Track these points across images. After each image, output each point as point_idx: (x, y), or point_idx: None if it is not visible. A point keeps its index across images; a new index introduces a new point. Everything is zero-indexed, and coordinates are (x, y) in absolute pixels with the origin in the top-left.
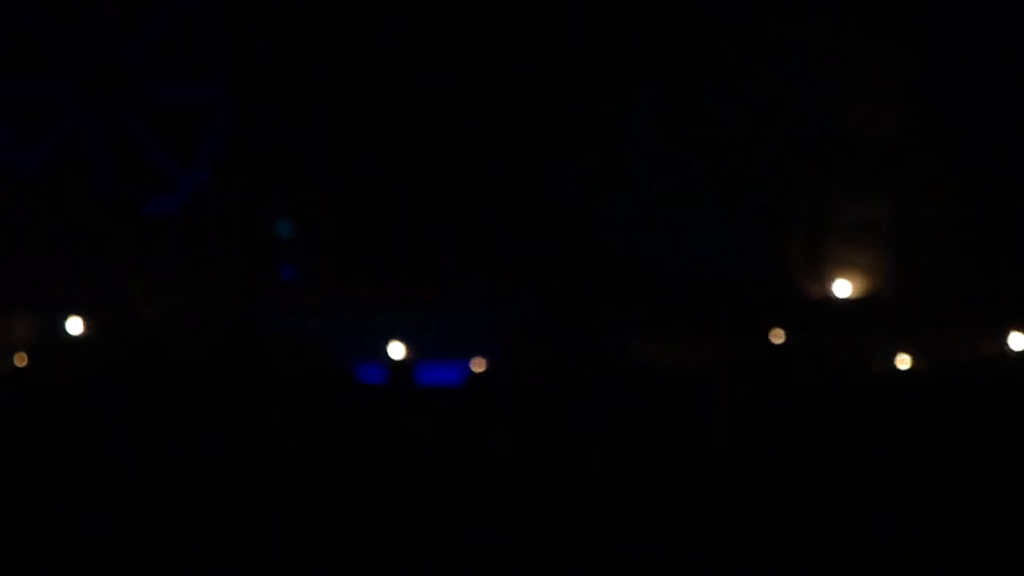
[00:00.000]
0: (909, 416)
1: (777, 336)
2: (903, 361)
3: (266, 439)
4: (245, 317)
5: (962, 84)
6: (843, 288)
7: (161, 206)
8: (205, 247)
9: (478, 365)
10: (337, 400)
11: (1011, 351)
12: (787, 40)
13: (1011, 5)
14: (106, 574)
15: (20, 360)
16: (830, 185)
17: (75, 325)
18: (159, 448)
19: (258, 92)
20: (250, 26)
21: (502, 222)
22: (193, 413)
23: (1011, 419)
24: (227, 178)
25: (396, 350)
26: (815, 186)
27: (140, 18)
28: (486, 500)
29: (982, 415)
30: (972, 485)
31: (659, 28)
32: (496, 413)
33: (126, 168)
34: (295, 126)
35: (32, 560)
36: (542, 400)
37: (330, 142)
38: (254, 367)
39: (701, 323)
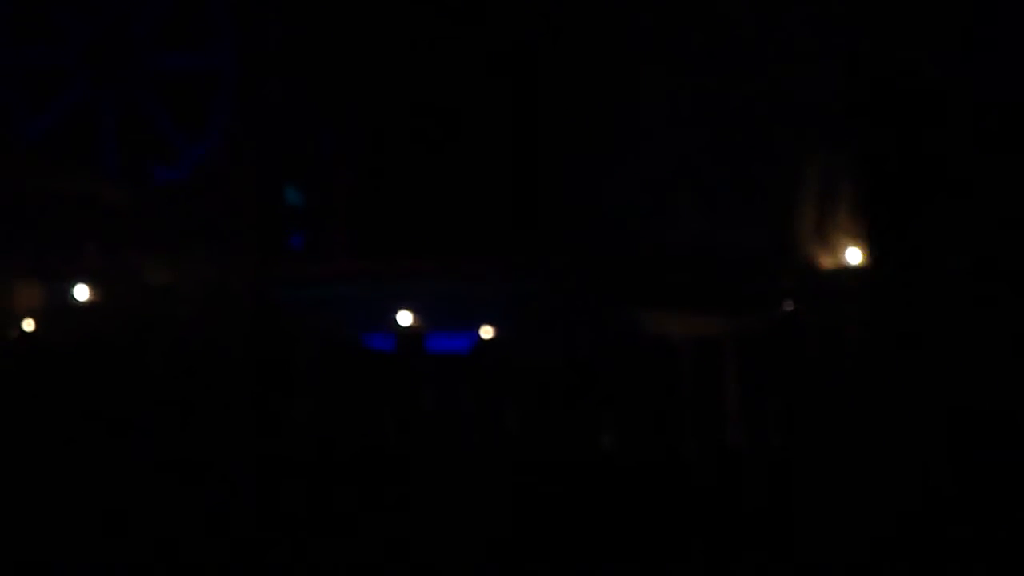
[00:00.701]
0: (916, 385)
1: (786, 306)
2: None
3: (275, 407)
4: (254, 286)
5: (965, 60)
6: (854, 256)
7: (169, 175)
8: (213, 216)
9: (487, 334)
10: (346, 368)
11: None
12: (794, 14)
13: None
14: (114, 533)
15: (29, 325)
16: (839, 155)
17: (82, 292)
18: (167, 415)
19: (266, 60)
20: None
21: (513, 195)
22: (200, 382)
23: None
24: (235, 147)
25: (405, 319)
26: (824, 156)
27: None
28: (493, 474)
29: (990, 384)
30: (980, 451)
31: (665, 3)
32: (505, 384)
33: (133, 137)
34: (304, 94)
35: (39, 522)
36: (551, 374)
37: (340, 110)
38: (264, 336)
39: (710, 295)
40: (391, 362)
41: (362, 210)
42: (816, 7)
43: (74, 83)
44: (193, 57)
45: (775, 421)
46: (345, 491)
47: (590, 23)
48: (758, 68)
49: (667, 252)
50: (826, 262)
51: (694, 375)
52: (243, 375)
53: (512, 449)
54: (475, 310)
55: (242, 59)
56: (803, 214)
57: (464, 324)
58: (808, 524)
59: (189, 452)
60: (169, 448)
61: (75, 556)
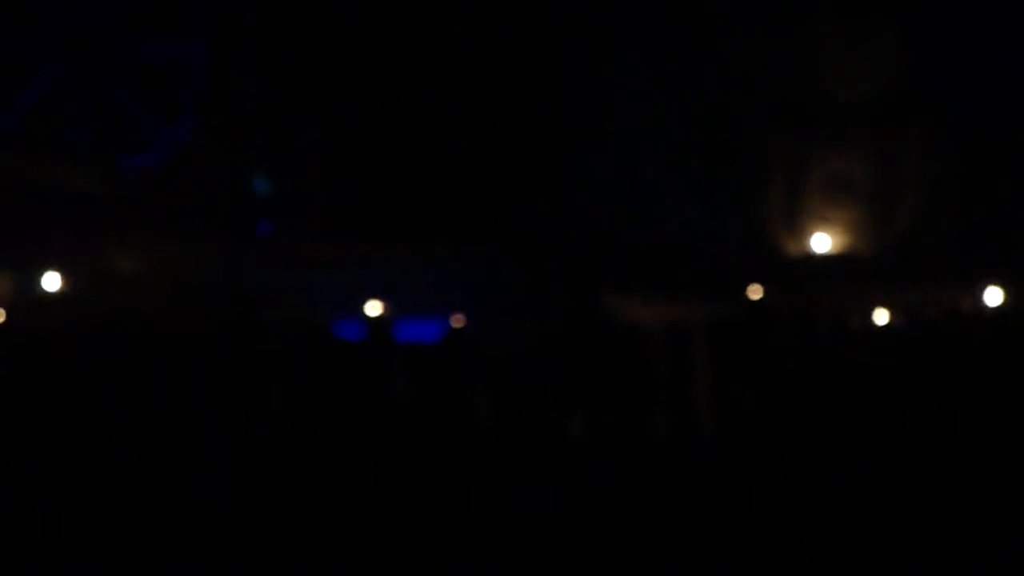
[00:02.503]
0: (888, 373)
1: (755, 293)
2: (881, 316)
3: (246, 395)
4: (225, 273)
5: (941, 44)
6: (822, 244)
7: (140, 162)
8: (184, 203)
9: (457, 322)
10: (315, 356)
11: (987, 306)
12: (768, 4)
13: None
14: (88, 530)
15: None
16: (808, 142)
17: (52, 281)
18: (137, 404)
19: (238, 49)
20: None
21: (483, 180)
22: (172, 370)
23: (989, 373)
24: (207, 135)
25: (374, 307)
26: (793, 143)
27: None
28: (465, 461)
29: (960, 370)
30: (954, 441)
31: None
32: (475, 372)
33: (105, 125)
34: (275, 83)
35: (16, 519)
36: (521, 360)
37: (311, 98)
38: (234, 323)
39: (680, 281)
40: (361, 350)
41: (333, 197)
42: None
43: (46, 71)
44: (166, 45)
45: (747, 407)
46: (319, 479)
47: (561, 11)
48: (729, 55)
49: (638, 238)
50: (795, 248)
51: (665, 361)
52: (214, 362)
53: (483, 436)
54: (446, 297)
55: (214, 47)
56: (773, 200)
57: (435, 311)
58: (781, 510)
59: (161, 442)
60: (141, 439)
61: (49, 554)
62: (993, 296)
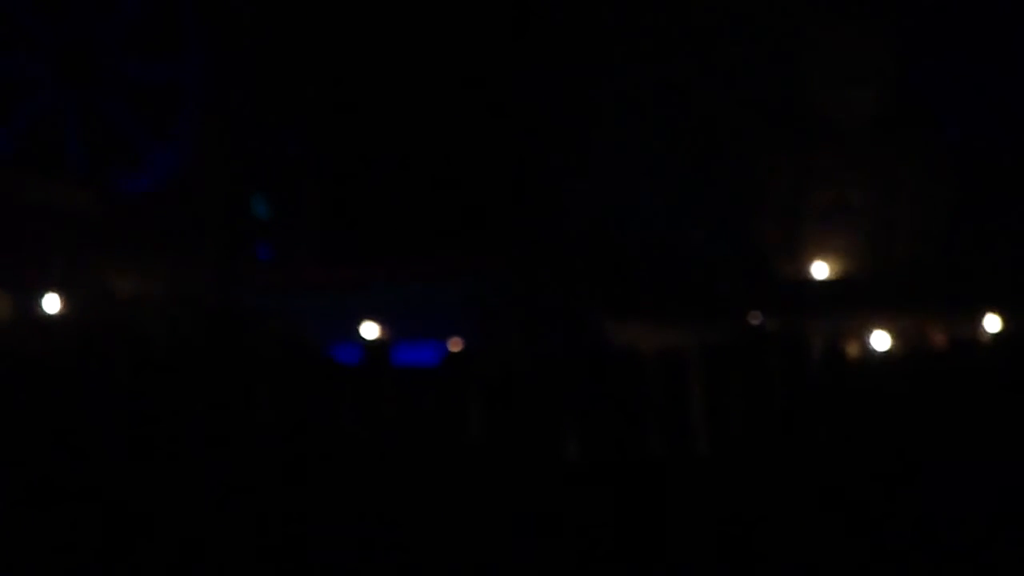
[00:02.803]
0: (886, 399)
1: (753, 319)
2: (881, 341)
3: (242, 421)
4: (221, 296)
5: (941, 69)
6: (819, 270)
7: (136, 185)
8: (180, 226)
9: (455, 345)
10: (312, 382)
11: (986, 333)
12: (765, 22)
13: None
14: (86, 550)
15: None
16: (807, 167)
17: (50, 304)
18: (135, 428)
19: (234, 69)
20: (227, 3)
21: (480, 201)
22: (169, 394)
23: (987, 402)
24: (202, 156)
25: (371, 330)
26: (792, 168)
27: None
28: (459, 484)
29: (959, 398)
30: (950, 468)
31: (637, 7)
32: (470, 395)
33: (100, 146)
34: (272, 104)
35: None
36: (517, 382)
37: (307, 120)
38: (230, 347)
39: (676, 306)
40: (356, 374)
41: (329, 219)
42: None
43: (40, 91)
44: (160, 66)
45: (741, 433)
46: (311, 501)
47: (553, 20)
48: (727, 69)
49: (633, 260)
50: (792, 273)
51: (660, 385)
52: (208, 386)
53: (476, 456)
54: (442, 318)
55: (210, 68)
56: (771, 224)
57: (431, 333)
58: (772, 534)
59: (154, 463)
60: (135, 459)
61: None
62: (991, 323)
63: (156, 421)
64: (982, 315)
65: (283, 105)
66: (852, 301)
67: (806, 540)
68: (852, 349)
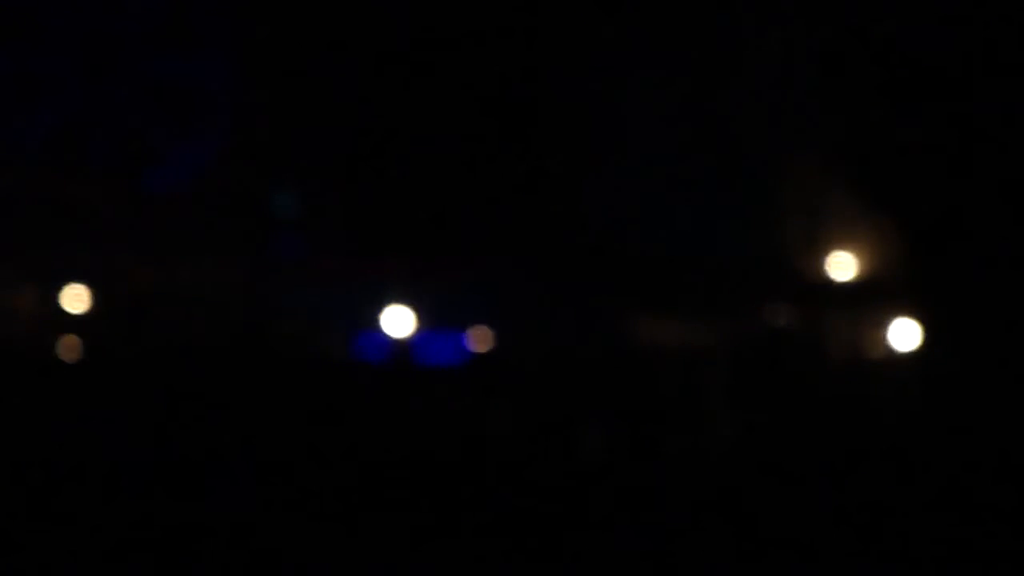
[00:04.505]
0: (904, 396)
1: (775, 317)
2: (900, 340)
3: (268, 418)
4: (247, 290)
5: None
6: (841, 268)
7: (162, 181)
8: (206, 222)
9: (478, 335)
10: (337, 380)
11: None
12: (787, 21)
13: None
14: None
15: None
16: (829, 163)
17: (78, 302)
18: (162, 425)
19: (259, 66)
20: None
21: (504, 197)
22: (196, 391)
23: (1008, 396)
24: (228, 152)
25: (396, 323)
26: (814, 165)
27: None
28: (482, 482)
29: (978, 393)
30: (974, 464)
31: (658, 7)
32: (494, 395)
33: (125, 143)
34: (297, 99)
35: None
36: (539, 381)
37: (332, 115)
38: (257, 344)
39: (699, 304)
40: (382, 370)
41: (355, 213)
42: (800, 7)
43: (67, 88)
44: (186, 63)
45: (762, 429)
46: (336, 495)
47: (579, 25)
48: (749, 71)
49: (657, 258)
50: (814, 271)
51: (682, 381)
52: (235, 380)
53: (502, 451)
54: (467, 310)
55: (235, 65)
56: (793, 223)
57: (455, 324)
58: (793, 531)
59: (182, 455)
60: (162, 451)
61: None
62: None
63: (181, 415)
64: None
65: (309, 101)
66: (874, 299)
67: (824, 533)
68: (873, 346)
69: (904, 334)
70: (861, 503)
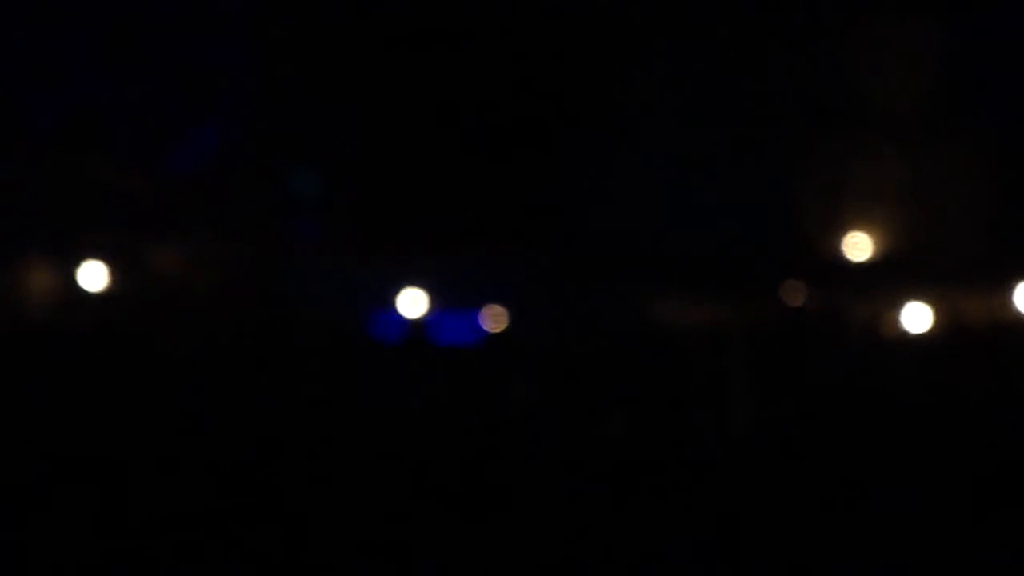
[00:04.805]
0: (923, 377)
1: (794, 297)
2: (917, 321)
3: (286, 398)
4: (267, 272)
5: (984, 49)
6: (859, 248)
7: (182, 162)
8: (226, 203)
9: (493, 315)
10: (355, 358)
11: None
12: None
13: None
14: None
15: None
16: (846, 145)
17: (96, 280)
18: (175, 405)
19: (278, 49)
20: None
21: (525, 181)
22: (212, 371)
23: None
24: (248, 134)
25: (413, 303)
26: (831, 146)
27: None
28: (504, 460)
29: (997, 375)
30: (989, 445)
31: None
32: (514, 374)
33: (146, 124)
34: (316, 83)
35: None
36: (561, 361)
37: (351, 99)
38: (274, 324)
39: (718, 284)
40: (398, 351)
41: (374, 197)
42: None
43: (88, 70)
44: (206, 44)
45: (782, 410)
46: (354, 478)
47: (593, 18)
48: (768, 54)
49: (676, 239)
50: (832, 252)
51: (702, 362)
52: (252, 359)
53: (522, 435)
54: (484, 291)
55: (255, 48)
56: (810, 204)
57: (472, 303)
58: (809, 514)
59: (198, 438)
60: (178, 433)
61: (83, 547)
62: None
63: (197, 396)
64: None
65: (328, 85)
66: (892, 280)
67: (842, 521)
68: (891, 327)
69: (918, 316)
70: (875, 483)
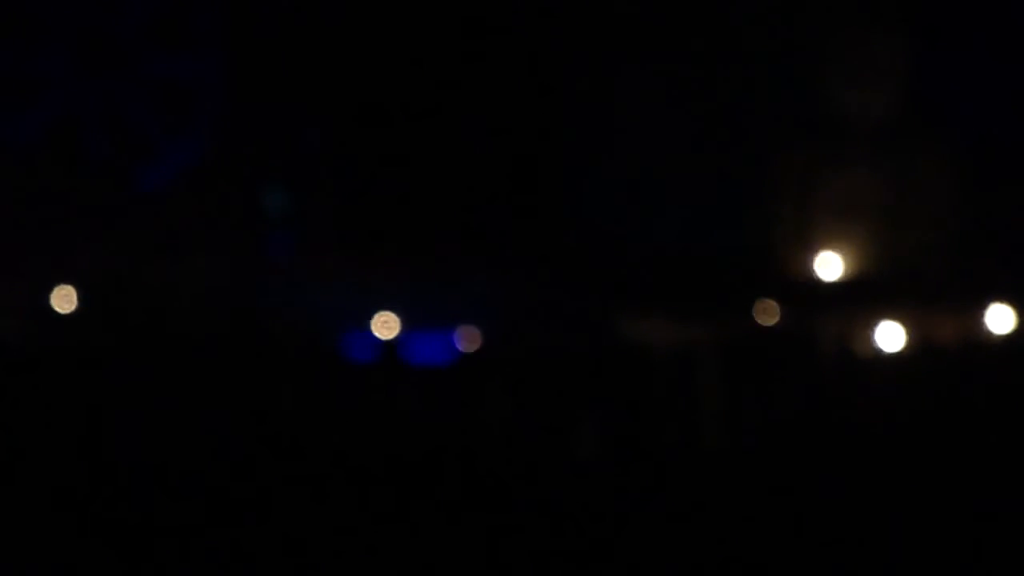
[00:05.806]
0: (895, 397)
1: (766, 315)
2: (889, 340)
3: (260, 418)
4: (239, 291)
5: (956, 67)
6: (830, 266)
7: (155, 179)
8: (199, 220)
9: (467, 336)
10: (327, 379)
11: (996, 330)
12: (777, 17)
13: None
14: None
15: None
16: (820, 162)
17: (67, 300)
18: (153, 426)
19: (253, 64)
20: None
21: (494, 197)
22: (188, 391)
23: (997, 398)
24: (221, 150)
25: (385, 323)
26: (804, 163)
27: None
28: (473, 481)
29: (969, 395)
30: (961, 465)
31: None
32: (485, 392)
33: (119, 139)
34: (291, 97)
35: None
36: (529, 380)
37: (325, 114)
38: (249, 343)
39: (690, 302)
40: (369, 370)
41: (348, 212)
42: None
43: (61, 84)
44: (180, 61)
45: (756, 428)
46: (327, 498)
47: (569, 21)
48: (740, 65)
49: (648, 255)
50: (805, 270)
51: (674, 380)
52: (223, 380)
53: (492, 451)
54: (456, 309)
55: (229, 62)
56: (783, 219)
57: (445, 323)
58: (781, 533)
59: (175, 456)
60: (156, 454)
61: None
62: (1004, 319)
63: (172, 414)
64: (992, 311)
65: (303, 98)
66: (862, 297)
67: (815, 536)
68: (862, 345)
69: (890, 335)
70: (852, 499)
